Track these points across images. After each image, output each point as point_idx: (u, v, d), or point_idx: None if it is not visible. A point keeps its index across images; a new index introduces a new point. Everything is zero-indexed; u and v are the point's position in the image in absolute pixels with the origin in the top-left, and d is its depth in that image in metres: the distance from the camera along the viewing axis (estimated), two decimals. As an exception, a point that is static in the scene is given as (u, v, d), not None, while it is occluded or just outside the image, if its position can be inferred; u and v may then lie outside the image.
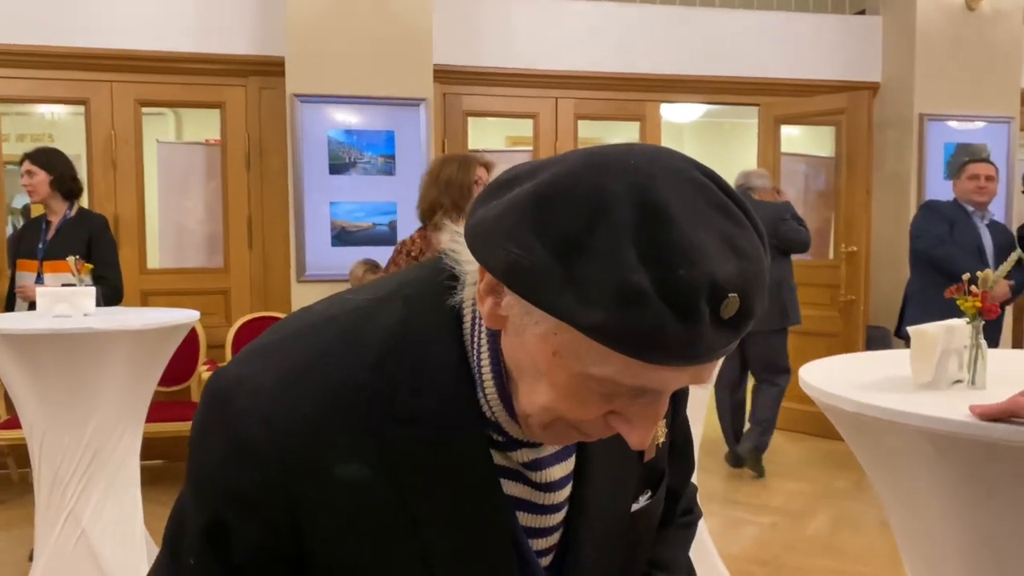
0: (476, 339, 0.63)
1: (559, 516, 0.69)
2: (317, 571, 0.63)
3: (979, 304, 1.39)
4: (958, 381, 1.43)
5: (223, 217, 4.45)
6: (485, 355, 0.63)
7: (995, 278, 1.41)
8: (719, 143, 7.48)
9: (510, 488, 0.66)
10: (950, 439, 1.23)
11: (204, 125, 5.37)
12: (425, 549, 0.62)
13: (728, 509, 3.73)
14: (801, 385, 1.52)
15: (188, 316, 2.66)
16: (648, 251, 0.50)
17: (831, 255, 5.14)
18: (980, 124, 4.97)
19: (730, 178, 6.20)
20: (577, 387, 0.56)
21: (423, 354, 0.63)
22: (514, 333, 0.58)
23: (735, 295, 0.52)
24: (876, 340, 4.66)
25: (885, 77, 5.05)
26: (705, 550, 2.62)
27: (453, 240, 0.64)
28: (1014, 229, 4.71)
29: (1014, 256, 1.52)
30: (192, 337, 4.02)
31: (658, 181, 0.53)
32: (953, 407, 1.27)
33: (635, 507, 0.74)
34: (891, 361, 1.69)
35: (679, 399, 0.81)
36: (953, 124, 4.93)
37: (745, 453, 4.19)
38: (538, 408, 0.59)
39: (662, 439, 0.76)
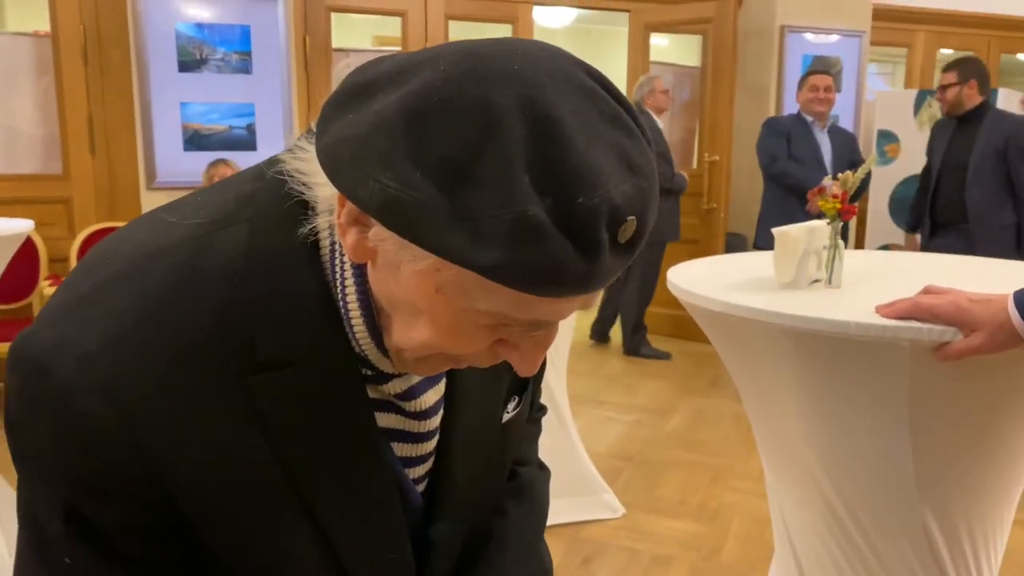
0: (338, 272, 0.56)
1: (433, 443, 0.67)
2: (197, 531, 0.58)
3: (839, 205, 1.44)
4: (816, 280, 1.50)
5: (59, 118, 4.05)
6: (351, 290, 0.56)
7: (854, 180, 1.46)
8: (591, 50, 7.44)
9: (383, 420, 0.62)
10: (808, 335, 1.28)
11: (30, 14, 4.80)
12: (303, 494, 0.58)
13: (596, 409, 3.87)
14: (669, 288, 1.54)
15: (20, 226, 2.42)
16: (543, 176, 0.45)
17: (695, 164, 5.29)
18: (835, 37, 5.16)
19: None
20: (462, 323, 0.51)
21: (278, 291, 0.55)
22: (386, 268, 0.52)
23: (633, 217, 0.48)
24: (735, 246, 4.88)
25: (750, -13, 5.13)
26: (574, 450, 2.71)
27: (297, 158, 0.55)
28: (861, 135, 4.99)
29: (870, 159, 1.58)
30: (30, 250, 3.71)
31: (548, 91, 0.47)
32: (813, 304, 1.33)
33: (506, 417, 0.72)
34: (753, 263, 1.75)
35: None
36: (810, 37, 5.10)
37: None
38: (416, 344, 0.54)
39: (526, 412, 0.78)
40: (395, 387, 0.62)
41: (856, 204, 1.57)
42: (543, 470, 0.88)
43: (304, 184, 0.55)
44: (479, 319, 0.51)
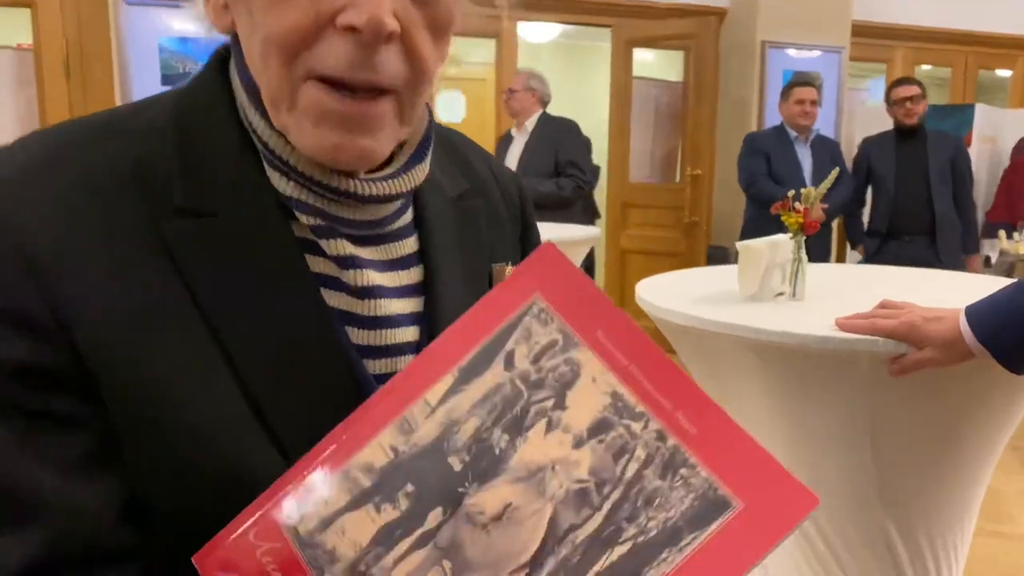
0: (246, 104, 0.58)
1: (394, 335, 0.60)
2: (112, 399, 0.52)
3: (801, 219, 1.46)
4: (780, 293, 1.52)
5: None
6: (253, 114, 0.57)
7: (816, 195, 1.48)
8: (575, 65, 7.50)
9: (330, 299, 0.58)
10: (771, 347, 1.30)
11: (12, 27, 4.81)
12: (237, 365, 0.53)
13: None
14: (637, 300, 1.56)
15: None
16: None
17: (677, 178, 5.32)
18: (816, 53, 5.22)
19: (585, 106, 6.27)
20: None
21: (198, 140, 0.56)
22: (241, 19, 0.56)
23: None
24: (717, 259, 4.90)
25: (732, 4, 5.18)
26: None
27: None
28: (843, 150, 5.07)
29: (833, 174, 1.60)
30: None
31: None
32: (775, 317, 1.34)
33: None
34: (721, 276, 1.77)
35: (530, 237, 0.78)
36: (791, 52, 5.15)
37: None
38: (259, 52, 0.54)
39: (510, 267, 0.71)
40: (340, 247, 0.58)
41: (829, 221, 1.58)
42: None
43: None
44: None
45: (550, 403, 0.47)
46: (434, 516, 0.46)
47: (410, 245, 0.64)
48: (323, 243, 0.58)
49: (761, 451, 0.43)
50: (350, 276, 0.59)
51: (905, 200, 3.92)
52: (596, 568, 0.43)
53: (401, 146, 0.63)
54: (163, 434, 0.52)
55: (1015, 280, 1.18)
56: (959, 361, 1.17)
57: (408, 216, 0.65)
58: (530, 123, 4.09)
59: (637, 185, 5.25)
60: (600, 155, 4.93)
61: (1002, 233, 4.44)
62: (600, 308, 0.49)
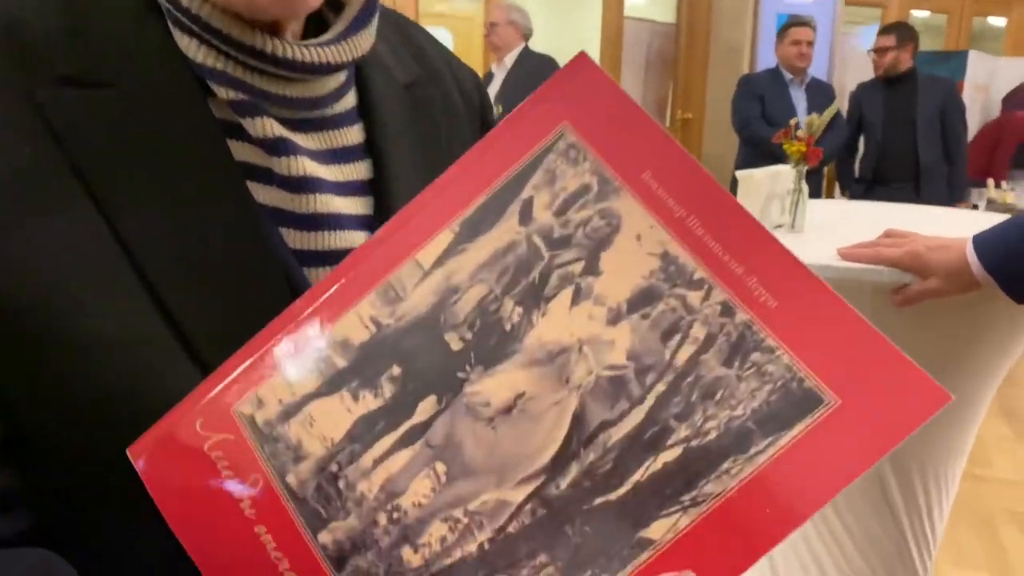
0: None
1: (338, 239, 0.51)
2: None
3: (803, 148, 1.41)
4: (779, 225, 1.47)
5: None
6: None
7: (819, 123, 1.43)
8: (566, 4, 7.33)
9: (258, 194, 0.49)
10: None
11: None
12: (146, 272, 0.43)
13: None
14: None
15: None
16: None
17: (667, 123, 5.25)
18: (811, -4, 5.12)
19: (574, 47, 6.12)
20: None
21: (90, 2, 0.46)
22: None
23: None
24: (705, 205, 4.86)
25: (727, -58, 5.06)
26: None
27: None
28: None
29: (832, 108, 1.55)
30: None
31: None
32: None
33: None
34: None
35: None
36: (786, -5, 5.05)
37: None
38: None
39: None
40: (267, 127, 0.48)
41: (823, 164, 1.54)
42: None
43: None
44: None
45: (578, 267, 0.37)
46: (426, 407, 0.37)
47: (355, 134, 0.54)
48: (246, 123, 0.47)
49: (868, 331, 0.33)
50: (282, 165, 0.48)
51: (891, 147, 3.89)
52: (634, 478, 0.33)
53: (339, 10, 0.54)
54: (52, 351, 0.41)
55: None
56: (964, 291, 1.13)
57: (351, 100, 0.54)
58: (510, 59, 3.97)
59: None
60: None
61: (990, 182, 4.43)
62: (649, 141, 0.37)
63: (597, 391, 0.35)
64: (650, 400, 0.34)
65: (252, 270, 0.46)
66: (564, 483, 0.34)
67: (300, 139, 0.51)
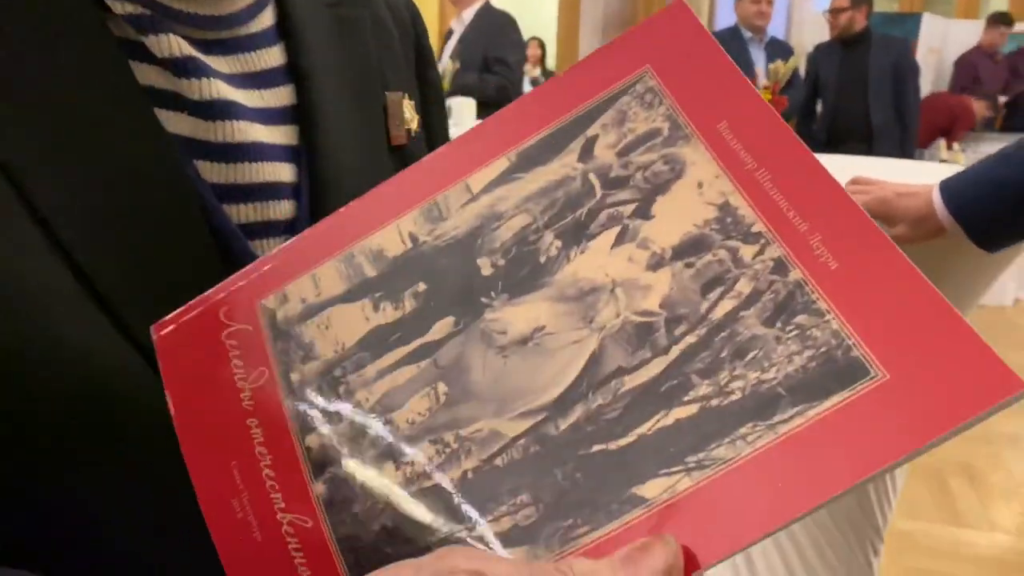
0: None
1: (261, 171, 0.46)
2: None
3: (769, 96, 1.39)
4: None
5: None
6: None
7: (784, 71, 1.41)
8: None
9: (168, 123, 0.43)
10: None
11: None
12: (42, 212, 0.38)
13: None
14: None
15: None
16: None
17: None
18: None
19: (534, 4, 6.03)
20: None
21: None
22: None
23: None
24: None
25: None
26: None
27: None
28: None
29: (793, 60, 1.54)
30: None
31: None
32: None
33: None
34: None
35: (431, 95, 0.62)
36: (745, -46, 5.02)
37: None
38: None
39: (414, 126, 0.56)
40: (171, 45, 0.43)
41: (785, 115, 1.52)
42: None
43: None
44: None
45: (629, 208, 0.35)
46: (442, 326, 0.35)
47: (275, 56, 0.49)
48: (149, 41, 0.42)
49: (939, 304, 0.29)
50: (192, 88, 0.43)
51: (845, 108, 3.91)
52: (639, 430, 0.31)
53: None
54: None
55: (996, 152, 1.14)
56: (930, 238, 1.13)
57: (268, 18, 0.49)
58: (468, 13, 3.89)
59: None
60: (549, 59, 4.77)
61: (942, 142, 4.49)
62: (732, 93, 0.35)
63: (620, 335, 0.33)
64: (675, 352, 0.32)
65: (165, 207, 0.41)
66: (564, 424, 0.32)
67: (213, 62, 0.45)
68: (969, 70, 5.24)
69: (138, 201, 0.40)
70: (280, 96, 0.49)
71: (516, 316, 0.34)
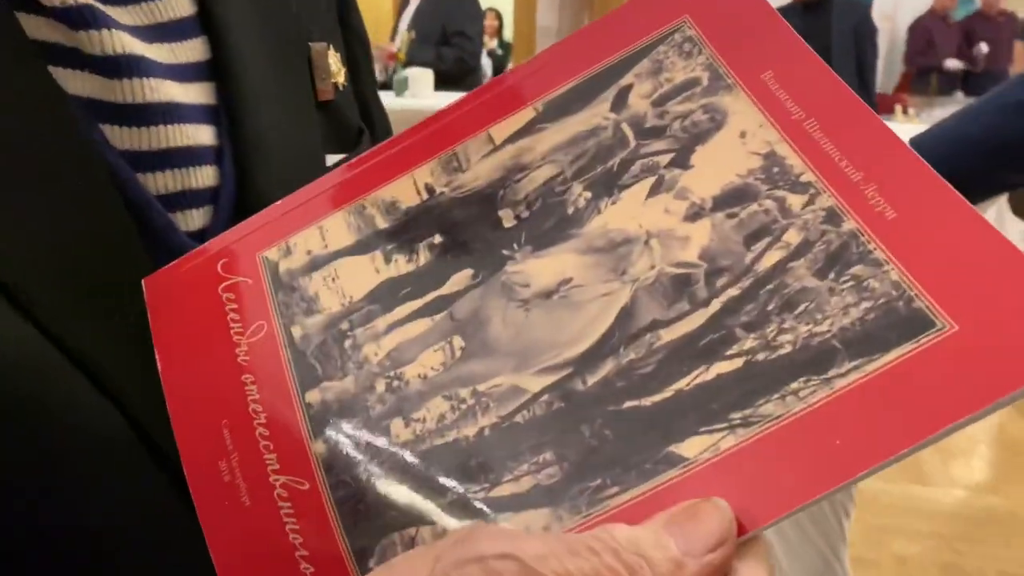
0: None
1: (177, 135, 0.41)
2: None
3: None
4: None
5: None
6: None
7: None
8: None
9: (67, 83, 0.38)
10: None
11: None
12: None
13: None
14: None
15: None
16: None
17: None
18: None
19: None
20: None
21: None
22: None
23: None
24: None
25: None
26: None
27: None
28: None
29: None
30: None
31: None
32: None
33: (330, 163, 0.51)
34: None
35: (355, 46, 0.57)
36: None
37: None
38: None
39: (340, 79, 0.52)
40: None
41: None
42: None
43: None
44: None
45: (666, 158, 0.32)
46: (459, 279, 0.33)
47: (184, 5, 0.44)
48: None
49: (1012, 254, 0.27)
50: (92, 41, 0.38)
51: None
52: (676, 386, 0.28)
53: None
54: None
55: (961, 109, 1.13)
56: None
57: None
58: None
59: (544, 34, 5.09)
60: (506, 30, 4.70)
61: (898, 107, 4.54)
62: (777, 42, 0.33)
63: (656, 288, 0.30)
64: (716, 304, 0.29)
65: (70, 179, 0.36)
66: (592, 379, 0.29)
67: (113, 12, 0.40)
68: (923, 35, 5.30)
69: (37, 173, 0.35)
70: (193, 50, 0.43)
71: (540, 268, 0.32)
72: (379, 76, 3.89)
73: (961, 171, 1.08)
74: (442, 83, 3.14)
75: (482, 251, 0.33)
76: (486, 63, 4.18)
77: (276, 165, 0.41)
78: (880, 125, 0.30)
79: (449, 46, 3.72)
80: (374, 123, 0.57)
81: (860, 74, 3.95)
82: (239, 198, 0.42)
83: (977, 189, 1.07)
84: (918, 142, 1.10)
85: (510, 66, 5.05)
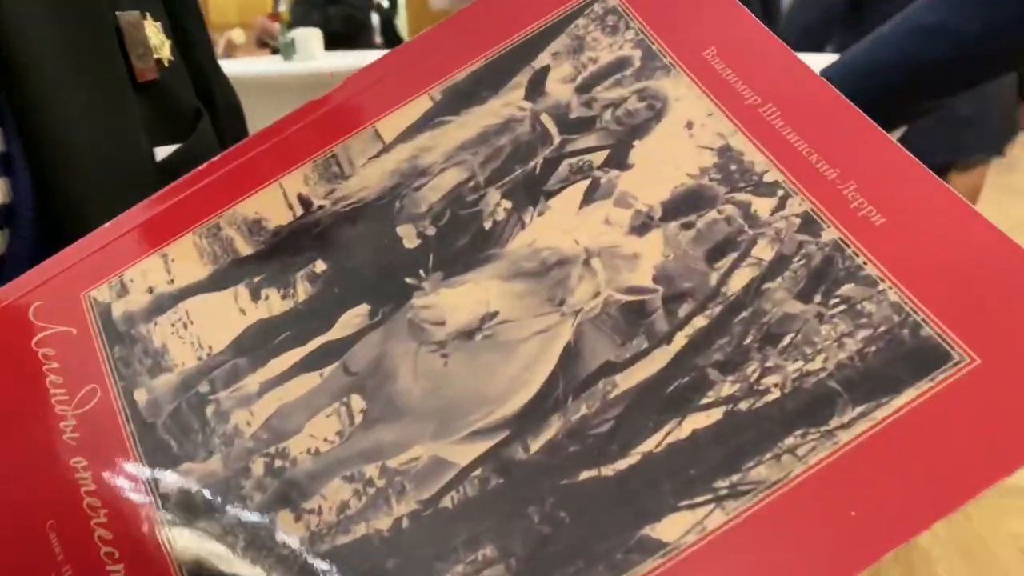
0: None
1: None
2: None
3: None
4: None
5: None
6: None
7: None
8: None
9: None
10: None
11: None
12: None
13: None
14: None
15: None
16: None
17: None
18: None
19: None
20: None
21: None
22: None
23: None
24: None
25: None
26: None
27: None
28: None
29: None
30: None
31: None
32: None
33: (161, 157, 0.43)
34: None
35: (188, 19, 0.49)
36: None
37: None
38: None
39: (165, 53, 0.45)
40: None
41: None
42: None
43: None
44: None
45: (600, 156, 0.27)
46: (352, 319, 0.26)
47: None
48: None
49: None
50: None
51: None
52: (642, 448, 0.22)
53: None
54: None
55: (870, 35, 1.12)
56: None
57: None
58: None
59: (440, 14, 4.97)
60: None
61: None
62: (717, 11, 0.28)
63: (604, 321, 0.25)
64: (681, 339, 0.24)
65: None
66: (536, 444, 0.23)
67: None
68: None
69: None
70: None
71: (457, 300, 0.26)
72: (268, 43, 3.69)
73: (876, 99, 1.08)
74: (332, 44, 3.00)
75: (379, 280, 0.27)
76: (373, 18, 4.03)
77: (85, 167, 0.33)
78: (851, 109, 0.26)
79: (334, 4, 3.56)
80: (215, 102, 0.49)
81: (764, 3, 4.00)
82: (41, 214, 0.34)
83: (891, 117, 1.07)
84: (829, 74, 1.09)
85: (400, 21, 4.89)
